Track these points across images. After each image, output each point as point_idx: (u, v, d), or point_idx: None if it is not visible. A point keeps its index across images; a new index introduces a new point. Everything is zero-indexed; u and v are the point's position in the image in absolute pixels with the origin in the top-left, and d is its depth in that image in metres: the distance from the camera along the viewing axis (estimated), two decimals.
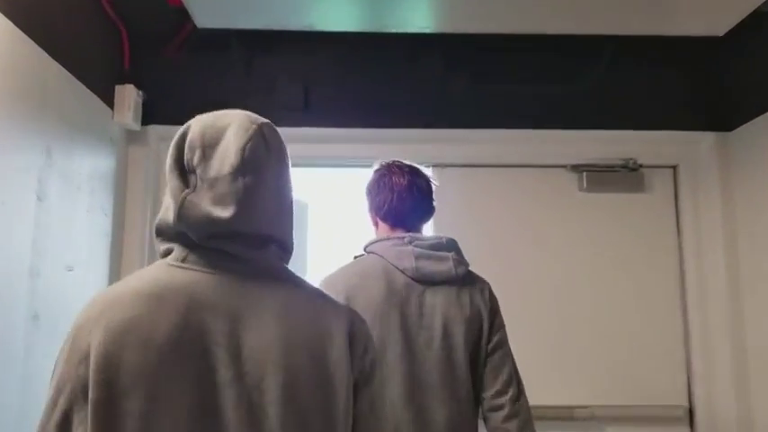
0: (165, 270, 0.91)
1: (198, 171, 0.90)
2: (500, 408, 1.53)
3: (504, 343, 1.61)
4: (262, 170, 0.91)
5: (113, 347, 0.82)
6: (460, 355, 1.51)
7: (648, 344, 2.74)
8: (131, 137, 2.67)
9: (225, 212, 0.87)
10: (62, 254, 2.12)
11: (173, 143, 0.95)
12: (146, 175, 2.68)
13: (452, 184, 2.84)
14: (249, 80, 2.77)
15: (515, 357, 1.71)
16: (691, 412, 2.70)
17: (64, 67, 2.12)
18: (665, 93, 2.82)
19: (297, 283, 0.98)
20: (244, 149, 0.89)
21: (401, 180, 1.61)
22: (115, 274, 2.54)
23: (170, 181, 0.92)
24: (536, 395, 2.60)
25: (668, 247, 2.83)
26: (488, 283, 1.65)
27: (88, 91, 2.32)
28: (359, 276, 1.50)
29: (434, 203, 1.66)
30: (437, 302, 1.51)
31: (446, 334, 1.50)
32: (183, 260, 0.90)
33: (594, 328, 2.74)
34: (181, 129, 0.96)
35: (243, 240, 0.91)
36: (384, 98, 2.78)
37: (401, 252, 1.52)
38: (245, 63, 2.75)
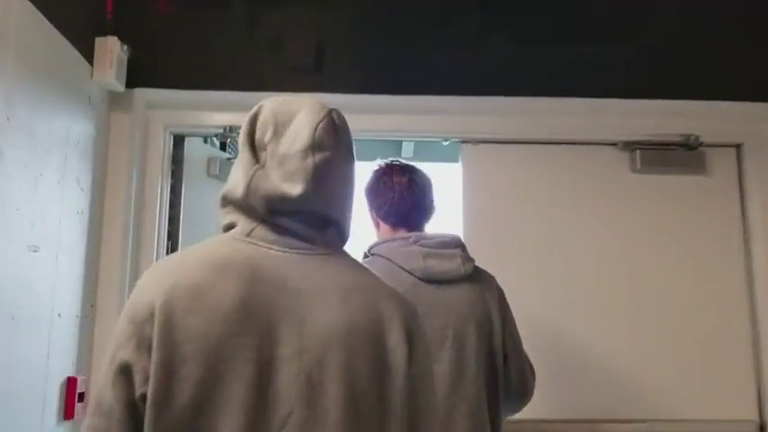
0: (230, 243, 0.93)
1: (269, 148, 0.94)
2: (521, 399, 1.61)
3: (517, 337, 1.61)
4: (331, 152, 0.93)
5: (178, 311, 0.84)
6: (471, 353, 1.48)
7: (711, 348, 2.37)
8: (114, 100, 2.28)
9: (294, 189, 0.90)
10: (24, 230, 1.73)
11: (246, 120, 0.98)
12: (131, 145, 2.29)
13: (485, 163, 2.48)
14: (252, 36, 2.39)
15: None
16: (762, 428, 2.33)
17: (32, 2, 1.74)
18: (731, 56, 2.45)
19: (356, 265, 1.00)
20: (315, 129, 0.92)
21: (401, 179, 1.59)
22: (93, 257, 2.15)
23: (242, 154, 0.96)
24: (581, 407, 2.27)
25: (733, 237, 2.46)
26: (494, 278, 1.62)
27: (62, 38, 1.94)
28: None
29: (434, 203, 1.63)
30: (447, 302, 1.49)
31: (457, 333, 1.48)
32: (248, 234, 0.93)
33: (648, 329, 2.37)
34: (254, 108, 0.99)
35: (307, 219, 0.94)
36: (411, 60, 2.41)
37: (408, 253, 1.50)
38: (248, 15, 2.37)
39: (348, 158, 1.00)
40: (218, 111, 2.38)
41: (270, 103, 0.99)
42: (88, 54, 2.11)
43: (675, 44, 2.44)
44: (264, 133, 0.95)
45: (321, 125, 0.94)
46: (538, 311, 2.31)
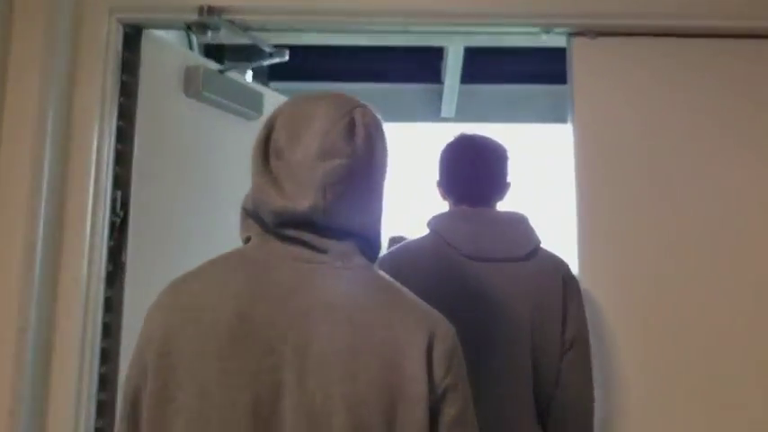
0: (239, 258, 0.88)
1: (284, 156, 0.87)
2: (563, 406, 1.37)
3: (581, 331, 1.39)
4: (346, 159, 0.85)
5: (173, 335, 0.81)
6: (521, 342, 1.35)
7: None
8: None
9: (302, 203, 0.84)
10: None
11: (264, 124, 0.91)
12: (49, 37, 1.46)
13: (603, 65, 1.64)
14: None
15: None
16: None
17: None
18: None
19: (377, 281, 0.90)
20: (328, 133, 0.85)
21: (468, 154, 1.48)
22: None
23: (253, 165, 0.90)
24: None
25: None
26: (565, 263, 1.43)
27: None
28: (410, 254, 1.44)
29: (508, 179, 1.48)
30: (494, 282, 1.38)
31: (503, 318, 1.38)
32: (258, 248, 0.88)
33: None
34: (273, 111, 0.93)
35: (321, 231, 0.86)
36: None
37: (457, 228, 1.42)
38: None
39: (372, 163, 0.88)
40: None
41: (288, 106, 0.91)
42: None
43: None
44: (279, 139, 0.87)
45: (337, 129, 0.85)
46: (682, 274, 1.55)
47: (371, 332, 0.81)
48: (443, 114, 3.02)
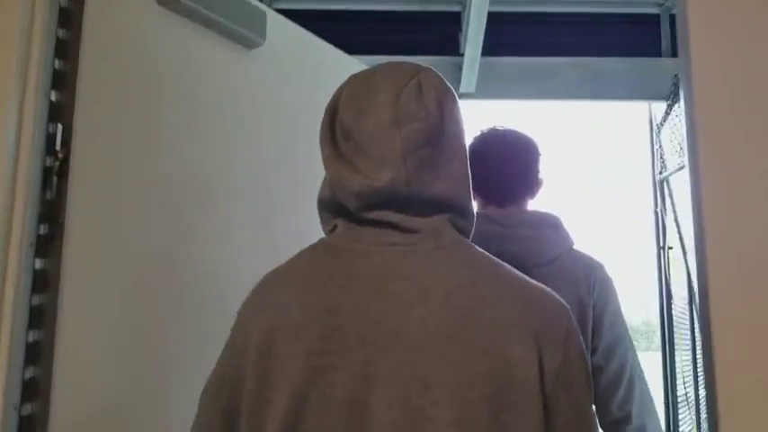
0: (324, 249, 0.86)
1: (353, 135, 0.82)
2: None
3: (618, 342, 1.32)
4: (421, 122, 0.80)
5: (267, 335, 0.79)
6: None
7: None
8: None
9: (382, 177, 0.79)
10: None
11: (327, 106, 0.87)
12: None
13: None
14: None
15: None
16: None
17: None
18: None
19: (474, 260, 0.83)
20: (397, 102, 0.80)
21: (496, 150, 1.42)
22: None
23: (323, 150, 0.86)
24: None
25: None
26: (599, 265, 1.37)
27: None
28: None
29: (540, 176, 1.41)
30: None
31: None
32: (344, 237, 0.84)
33: None
34: (334, 93, 0.88)
35: (406, 207, 0.81)
36: None
37: (480, 232, 1.26)
38: None
39: (445, 126, 0.82)
40: None
41: (348, 85, 0.85)
42: None
43: None
44: (345, 117, 0.82)
45: (405, 92, 0.80)
46: None
47: (471, 315, 0.75)
48: (463, 89, 2.84)
